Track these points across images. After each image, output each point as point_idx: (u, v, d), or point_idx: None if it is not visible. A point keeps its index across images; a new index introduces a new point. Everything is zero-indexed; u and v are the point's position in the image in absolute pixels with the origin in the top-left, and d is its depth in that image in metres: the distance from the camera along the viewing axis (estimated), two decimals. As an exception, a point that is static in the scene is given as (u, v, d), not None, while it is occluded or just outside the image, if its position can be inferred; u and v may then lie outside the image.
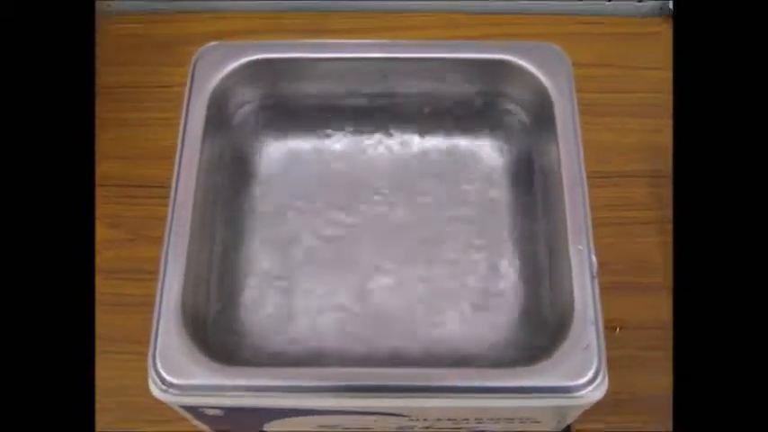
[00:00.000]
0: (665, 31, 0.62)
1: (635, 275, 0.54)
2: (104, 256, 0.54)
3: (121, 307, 0.50)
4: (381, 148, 0.43)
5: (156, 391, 0.34)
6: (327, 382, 0.33)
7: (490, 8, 0.63)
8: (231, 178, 0.42)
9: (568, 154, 0.38)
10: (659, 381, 0.50)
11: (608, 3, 0.63)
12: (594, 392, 0.34)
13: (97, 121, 0.57)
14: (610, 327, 0.52)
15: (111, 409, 0.48)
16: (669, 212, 0.55)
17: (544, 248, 0.39)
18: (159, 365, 0.34)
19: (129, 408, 0.49)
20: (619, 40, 0.62)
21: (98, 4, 0.64)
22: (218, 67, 0.40)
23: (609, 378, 0.49)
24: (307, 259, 0.40)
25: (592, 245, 0.36)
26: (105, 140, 0.58)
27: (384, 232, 0.41)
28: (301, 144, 0.43)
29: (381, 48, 0.40)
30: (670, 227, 0.55)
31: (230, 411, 0.36)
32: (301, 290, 0.40)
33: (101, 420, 0.47)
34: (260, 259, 0.40)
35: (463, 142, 0.43)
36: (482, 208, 0.41)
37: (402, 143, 0.43)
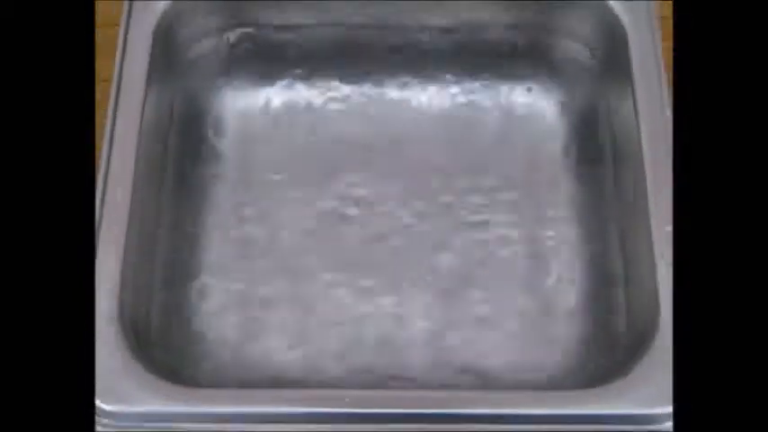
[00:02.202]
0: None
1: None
2: None
3: None
4: (383, 102, 0.45)
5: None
6: (312, 408, 0.35)
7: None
8: (181, 143, 0.44)
9: (650, 109, 0.40)
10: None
11: None
12: (684, 424, 0.36)
13: None
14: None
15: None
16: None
17: (615, 234, 0.41)
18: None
19: None
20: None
21: None
22: (163, -11, 0.42)
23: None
24: (279, 250, 0.43)
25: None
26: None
27: (388, 228, 0.43)
28: (275, 94, 0.46)
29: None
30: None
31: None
32: (273, 291, 0.42)
33: None
34: (220, 251, 0.43)
35: (500, 95, 0.45)
36: (526, 183, 0.44)
37: (413, 96, 0.45)
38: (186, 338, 0.41)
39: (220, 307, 0.42)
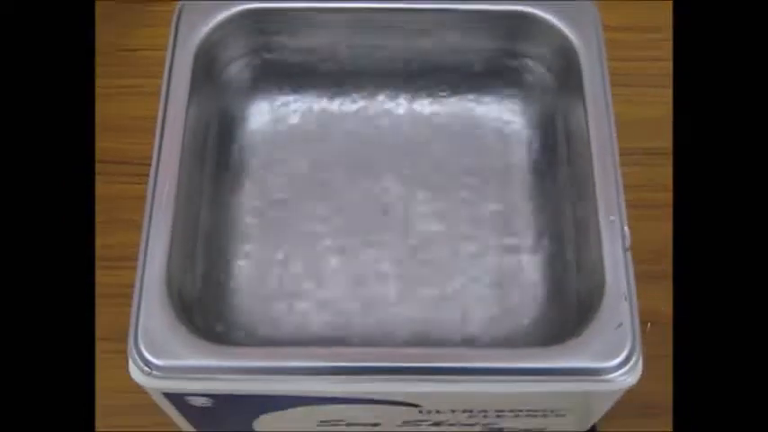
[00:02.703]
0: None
1: (663, 264, 0.57)
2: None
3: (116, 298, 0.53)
4: (386, 112, 0.45)
5: (137, 374, 0.36)
6: (327, 363, 0.36)
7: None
8: (218, 145, 0.44)
9: (597, 116, 0.40)
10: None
11: (638, -41, 0.66)
12: (627, 377, 0.36)
13: None
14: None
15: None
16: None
17: (570, 220, 0.42)
18: (142, 346, 0.36)
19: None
20: (646, 3, 0.65)
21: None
22: (205, 17, 0.42)
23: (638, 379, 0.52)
24: (302, 235, 0.43)
25: (624, 216, 0.38)
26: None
27: (388, 208, 0.43)
28: (297, 106, 0.46)
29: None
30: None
31: (220, 400, 0.38)
32: (298, 268, 0.42)
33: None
34: (252, 234, 0.43)
35: (479, 105, 0.46)
36: (500, 178, 0.44)
37: (410, 106, 0.46)
38: (221, 303, 0.41)
39: (251, 275, 0.42)
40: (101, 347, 0.52)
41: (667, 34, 0.62)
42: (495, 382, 0.36)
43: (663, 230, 0.56)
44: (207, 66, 0.43)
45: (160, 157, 0.40)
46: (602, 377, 0.36)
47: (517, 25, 0.43)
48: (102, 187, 0.58)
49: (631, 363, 0.36)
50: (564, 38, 0.42)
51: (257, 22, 0.43)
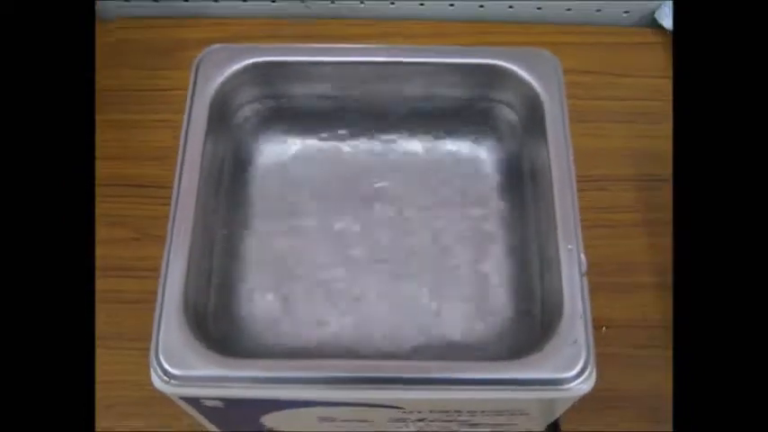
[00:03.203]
0: (652, 40, 0.63)
1: (622, 276, 0.55)
2: (111, 254, 0.54)
3: (139, 304, 0.51)
4: (375, 150, 0.43)
5: (157, 382, 0.34)
6: (321, 374, 0.34)
7: (479, 17, 0.64)
8: (231, 177, 0.42)
9: (558, 156, 0.38)
10: (646, 378, 0.51)
11: (596, 12, 0.64)
12: (582, 385, 0.34)
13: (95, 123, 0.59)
14: (597, 326, 0.53)
15: (110, 405, 0.49)
16: (657, 215, 0.56)
17: (535, 248, 0.39)
18: (162, 357, 0.34)
19: (126, 402, 0.50)
20: (605, 49, 0.63)
21: (98, 7, 0.64)
22: (220, 68, 0.40)
23: (597, 375, 0.50)
24: (304, 256, 0.41)
25: (581, 244, 0.36)
26: (102, 142, 0.58)
27: (378, 231, 0.41)
28: (298, 145, 0.44)
29: (377, 52, 0.41)
30: (658, 229, 0.56)
31: (230, 403, 0.36)
32: (299, 286, 0.40)
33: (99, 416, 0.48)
34: (259, 256, 0.41)
35: (455, 145, 0.43)
36: (473, 208, 0.42)
37: (395, 145, 0.43)
38: (233, 319, 0.39)
39: (261, 293, 0.40)
40: (131, 346, 0.52)
41: (621, 76, 0.62)
42: (468, 391, 0.34)
43: (625, 246, 0.55)
44: (221, 110, 0.41)
45: (180, 188, 0.38)
46: (561, 386, 0.34)
47: (488, 76, 0.41)
48: (139, 207, 0.57)
49: (586, 373, 0.34)
50: (529, 87, 0.40)
51: (264, 73, 0.41)
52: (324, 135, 0.44)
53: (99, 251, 0.53)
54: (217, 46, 0.41)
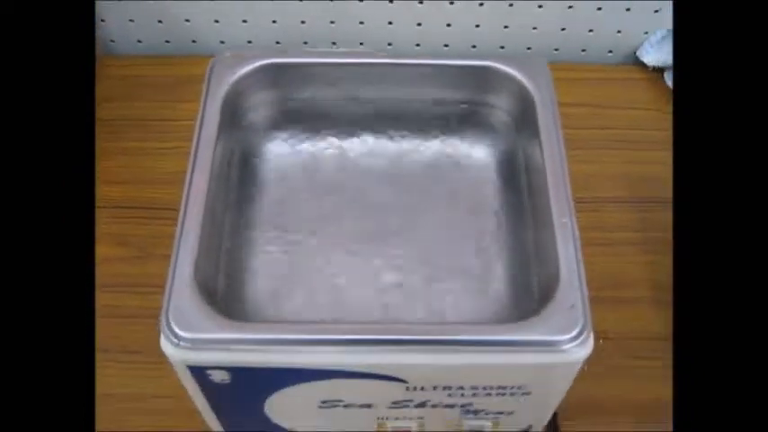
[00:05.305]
0: (636, 76, 0.68)
1: (616, 291, 0.57)
2: (114, 272, 0.56)
3: (145, 319, 0.53)
4: (378, 148, 0.46)
5: (168, 347, 0.36)
6: (328, 336, 0.35)
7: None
8: (240, 173, 0.45)
9: (550, 146, 0.41)
10: (645, 387, 0.52)
11: (582, 52, 0.68)
12: (580, 349, 0.36)
13: (102, 151, 0.62)
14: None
15: (105, 415, 0.50)
16: (651, 234, 0.59)
17: (532, 228, 0.42)
18: (172, 321, 0.35)
19: (127, 413, 0.50)
20: (593, 84, 0.67)
21: (114, 45, 0.69)
22: (232, 70, 0.44)
23: (593, 386, 0.52)
24: (307, 242, 0.43)
25: (575, 219, 0.39)
26: (110, 168, 0.62)
27: (382, 220, 0.44)
28: (303, 145, 0.46)
29: (380, 55, 0.45)
30: (653, 247, 0.58)
31: (236, 375, 0.37)
32: (303, 268, 0.42)
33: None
34: (264, 240, 0.43)
35: (455, 143, 0.46)
36: (473, 200, 0.44)
37: (398, 144, 0.46)
38: (239, 290, 0.41)
39: (265, 268, 0.42)
40: (136, 359, 0.53)
41: (609, 108, 0.66)
42: (471, 353, 0.36)
43: (619, 263, 0.58)
44: (232, 110, 0.44)
45: (192, 178, 0.40)
46: (558, 348, 0.35)
47: (484, 77, 0.45)
48: (145, 227, 0.59)
49: (583, 337, 0.36)
50: (522, 87, 0.44)
51: (273, 75, 0.45)
52: (328, 135, 0.47)
53: (103, 268, 0.56)
54: (228, 52, 0.45)
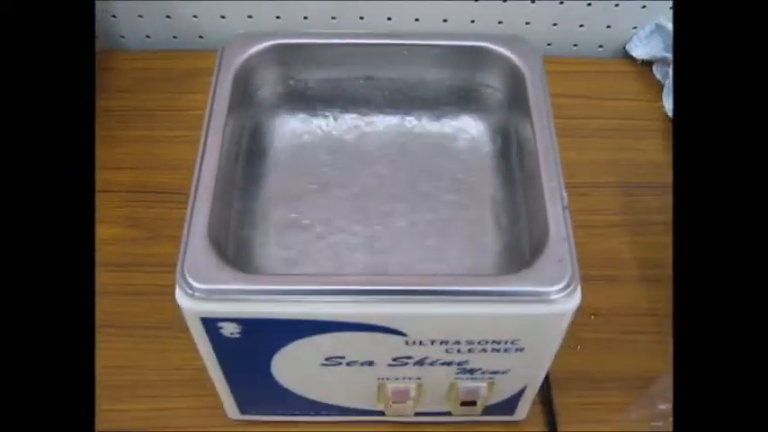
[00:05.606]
0: (625, 69, 0.71)
1: (605, 269, 0.60)
2: (125, 251, 0.59)
3: (153, 296, 0.56)
4: (379, 125, 0.49)
5: (182, 298, 0.38)
6: (336, 286, 0.38)
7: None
8: (249, 149, 0.48)
9: (541, 125, 0.44)
10: (635, 360, 0.55)
11: (573, 47, 0.72)
12: (569, 300, 0.38)
13: (114, 139, 0.65)
14: (585, 314, 0.57)
15: (113, 387, 0.52)
16: (638, 216, 0.62)
17: (522, 199, 0.45)
18: (187, 273, 0.38)
19: (131, 386, 0.53)
20: (584, 77, 0.70)
21: (125, 39, 0.72)
22: (243, 49, 0.47)
23: (586, 358, 0.54)
24: (315, 206, 0.46)
25: (562, 182, 0.42)
26: (121, 154, 0.65)
27: (384, 191, 0.47)
28: (309, 121, 0.49)
29: (381, 35, 0.48)
30: (640, 229, 0.61)
31: (247, 329, 0.39)
32: (312, 231, 0.45)
33: (102, 398, 0.51)
34: (273, 204, 0.46)
35: (450, 121, 0.49)
36: (469, 171, 0.47)
37: (398, 121, 0.49)
38: (249, 251, 0.44)
39: (275, 232, 0.45)
40: (145, 333, 0.55)
41: (600, 99, 0.69)
42: (468, 303, 0.38)
43: (608, 244, 0.60)
44: (243, 87, 0.47)
45: (205, 150, 0.43)
46: (548, 298, 0.38)
47: (477, 56, 0.47)
48: (155, 210, 0.62)
49: (571, 288, 0.38)
50: (514, 65, 0.47)
51: (282, 54, 0.47)
52: (331, 113, 0.49)
53: (115, 248, 0.59)
54: (240, 32, 0.48)
